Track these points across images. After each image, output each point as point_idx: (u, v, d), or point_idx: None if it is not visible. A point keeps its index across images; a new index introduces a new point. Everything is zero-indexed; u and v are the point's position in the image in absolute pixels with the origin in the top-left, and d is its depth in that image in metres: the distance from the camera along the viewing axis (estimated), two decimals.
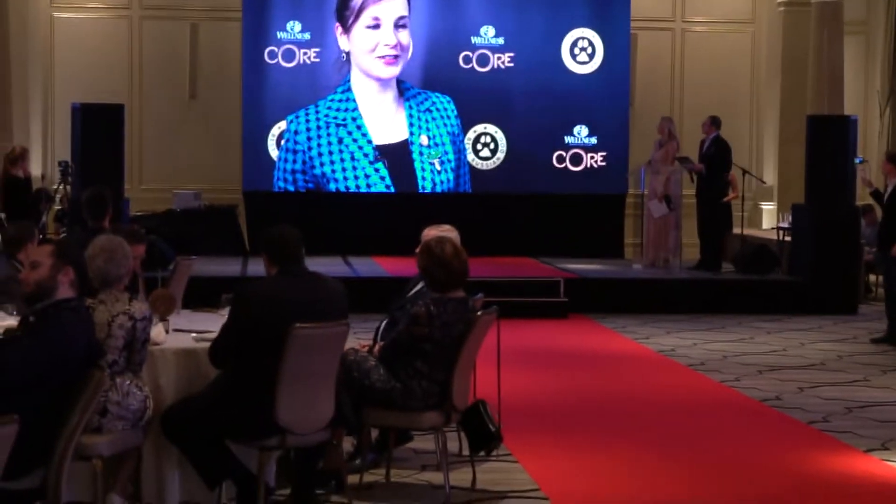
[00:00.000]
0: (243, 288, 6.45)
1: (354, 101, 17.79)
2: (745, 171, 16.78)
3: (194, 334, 7.10)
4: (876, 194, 13.86)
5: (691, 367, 11.40)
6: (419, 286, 7.85)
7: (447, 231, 7.75)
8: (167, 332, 7.02)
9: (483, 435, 7.18)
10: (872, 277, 17.03)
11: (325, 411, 6.47)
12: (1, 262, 8.42)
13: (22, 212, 14.14)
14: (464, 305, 6.98)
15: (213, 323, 7.50)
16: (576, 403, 9.82)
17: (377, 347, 7.27)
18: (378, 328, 8.00)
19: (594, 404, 9.78)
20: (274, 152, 17.90)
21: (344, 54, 17.85)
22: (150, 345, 6.42)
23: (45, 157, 18.88)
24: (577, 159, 18.46)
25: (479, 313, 6.99)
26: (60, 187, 14.62)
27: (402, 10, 17.84)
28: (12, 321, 7.07)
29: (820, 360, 11.95)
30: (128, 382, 6.17)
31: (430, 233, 7.73)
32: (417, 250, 7.28)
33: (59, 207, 16.32)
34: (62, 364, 5.14)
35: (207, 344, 6.70)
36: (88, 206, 9.80)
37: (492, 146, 18.34)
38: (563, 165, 18.45)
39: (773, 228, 18.40)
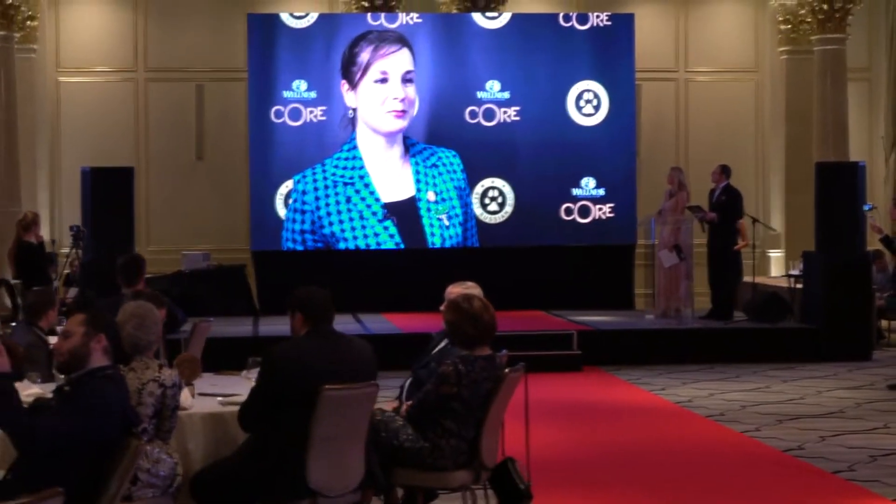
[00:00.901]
0: (271, 350, 6.40)
1: (361, 158, 17.80)
2: (754, 220, 16.79)
3: (220, 398, 7.07)
4: (886, 240, 13.88)
5: (710, 417, 11.35)
6: (443, 343, 7.81)
7: (471, 288, 7.70)
8: (192, 396, 6.99)
9: (513, 493, 7.12)
10: (885, 323, 17.00)
11: (356, 472, 6.44)
12: (22, 330, 8.40)
13: (35, 277, 14.16)
14: (491, 363, 6.95)
15: (237, 386, 7.48)
16: (602, 458, 9.77)
17: (404, 407, 7.23)
18: (402, 387, 7.95)
19: (620, 459, 9.72)
20: (282, 211, 17.88)
21: (351, 111, 17.87)
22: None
23: (53, 222, 18.90)
24: (585, 211, 18.46)
25: (506, 370, 6.97)
26: (73, 251, 14.62)
27: (409, 65, 17.90)
28: (37, 389, 7.04)
29: (838, 407, 11.89)
30: (157, 450, 6.14)
31: (454, 290, 7.67)
32: (442, 308, 7.24)
33: (68, 271, 16.31)
34: (98, 433, 5.11)
35: (234, 408, 6.68)
36: (125, 270, 9.81)
37: (499, 200, 18.34)
38: (571, 218, 18.46)
39: (782, 276, 18.38)
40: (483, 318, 6.95)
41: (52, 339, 8.67)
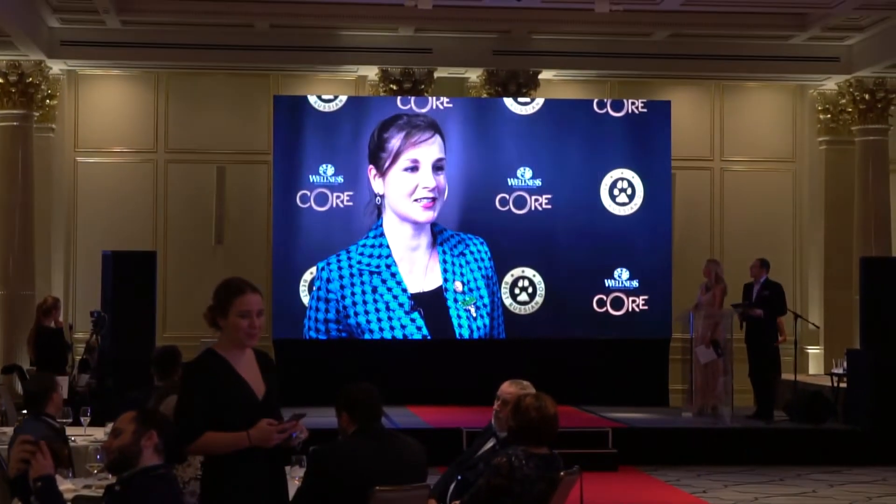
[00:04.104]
0: (319, 451, 6.14)
1: (388, 246, 17.25)
2: (796, 315, 16.24)
3: None
4: None
5: None
6: (490, 443, 7.47)
7: (526, 388, 7.53)
8: None
9: None
10: None
11: None
12: (32, 423, 7.90)
13: (53, 362, 13.88)
14: (548, 463, 6.77)
15: None
16: None
17: None
18: (445, 488, 7.52)
19: None
20: (305, 298, 17.33)
21: (378, 197, 17.35)
22: None
23: (67, 305, 18.31)
24: (618, 303, 17.88)
25: (562, 473, 6.61)
26: (92, 337, 14.19)
27: (440, 153, 17.36)
28: (69, 484, 6.81)
29: None
30: None
31: (509, 389, 7.48)
32: (496, 406, 6.89)
33: (83, 357, 15.80)
34: None
35: None
36: (161, 362, 9.60)
37: (530, 290, 17.78)
38: (603, 310, 17.87)
39: (822, 375, 17.84)
40: (532, 416, 6.87)
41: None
